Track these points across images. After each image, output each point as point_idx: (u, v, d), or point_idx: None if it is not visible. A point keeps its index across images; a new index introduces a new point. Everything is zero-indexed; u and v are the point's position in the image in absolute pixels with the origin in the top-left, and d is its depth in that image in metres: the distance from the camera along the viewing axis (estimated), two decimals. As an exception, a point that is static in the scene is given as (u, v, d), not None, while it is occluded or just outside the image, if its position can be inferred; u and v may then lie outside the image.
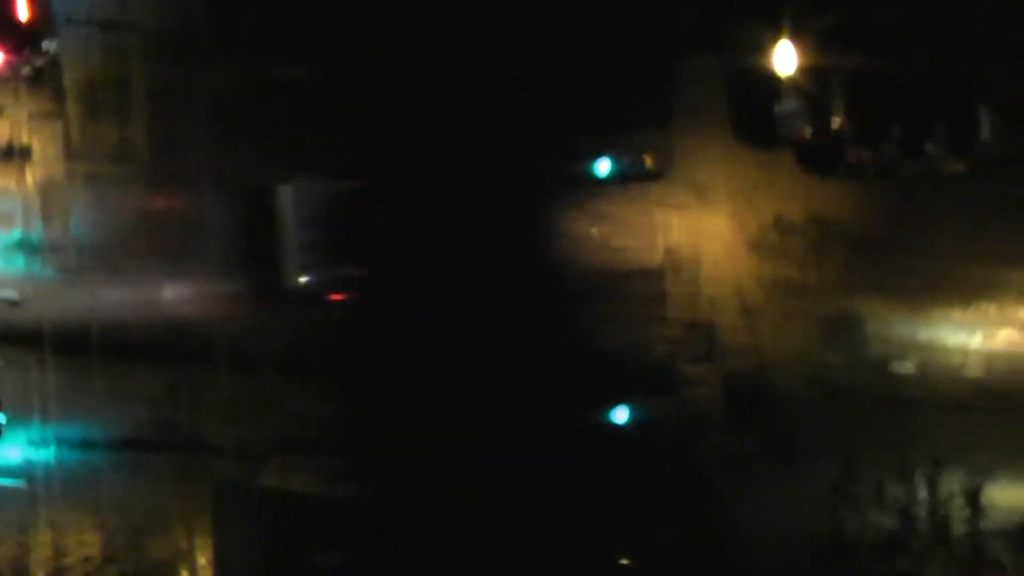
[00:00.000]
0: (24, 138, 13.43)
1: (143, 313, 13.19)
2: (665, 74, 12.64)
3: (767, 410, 12.34)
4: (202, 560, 12.97)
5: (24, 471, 13.31)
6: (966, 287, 11.75)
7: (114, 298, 13.24)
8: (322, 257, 13.12)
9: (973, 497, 11.76)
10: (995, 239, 11.59)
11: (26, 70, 13.18)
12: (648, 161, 12.83)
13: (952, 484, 11.82)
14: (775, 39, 12.09)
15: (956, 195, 11.70)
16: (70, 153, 13.35)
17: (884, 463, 11.95)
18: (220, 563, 12.98)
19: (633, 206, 12.85)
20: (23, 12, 13.05)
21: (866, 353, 12.10)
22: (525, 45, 12.75)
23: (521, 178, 12.89)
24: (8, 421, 13.09)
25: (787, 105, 12.18)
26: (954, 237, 11.72)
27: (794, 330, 12.30)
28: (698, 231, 12.63)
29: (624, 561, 12.91)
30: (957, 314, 11.83)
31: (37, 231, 13.40)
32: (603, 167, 12.88)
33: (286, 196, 13.10)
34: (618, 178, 12.93)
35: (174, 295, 13.21)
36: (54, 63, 13.26)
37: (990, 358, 11.76)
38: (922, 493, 11.90)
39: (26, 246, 13.43)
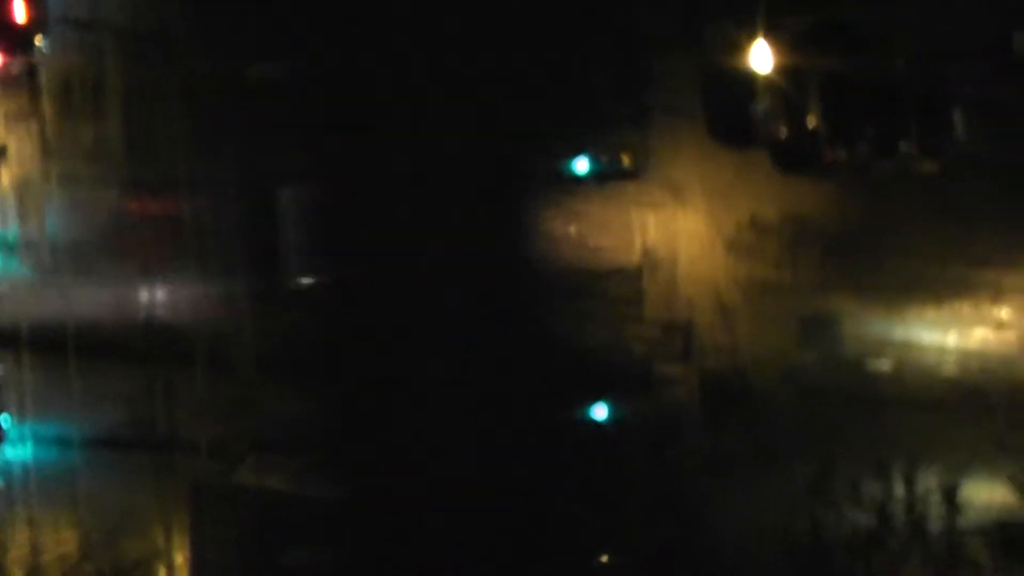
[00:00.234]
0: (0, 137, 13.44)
1: (118, 312, 13.21)
2: (642, 73, 12.64)
3: (744, 409, 12.37)
4: (179, 558, 13.03)
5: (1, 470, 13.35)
6: (941, 286, 11.77)
7: (89, 297, 13.26)
8: (299, 256, 13.16)
9: (949, 495, 11.81)
10: (969, 238, 11.61)
11: (20, 68, 13.20)
12: (625, 160, 12.83)
13: (928, 482, 11.86)
14: (751, 38, 12.09)
15: (930, 194, 11.72)
16: (46, 152, 13.35)
17: (860, 461, 11.98)
18: (197, 561, 13.04)
19: (610, 205, 12.84)
20: (20, 14, 13.08)
21: (842, 352, 12.12)
22: (502, 43, 12.75)
23: (499, 177, 12.91)
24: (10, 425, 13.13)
25: (763, 104, 12.19)
26: (928, 236, 11.73)
27: (770, 329, 12.32)
28: (675, 230, 12.63)
29: (602, 559, 12.96)
30: (932, 313, 11.85)
31: (13, 230, 13.41)
32: (581, 166, 12.89)
33: (263, 197, 13.14)
34: (596, 177, 12.93)
35: (149, 294, 13.22)
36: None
37: (965, 357, 11.79)
38: (898, 491, 11.95)
39: (1, 245, 13.43)
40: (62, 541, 13.24)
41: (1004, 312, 11.68)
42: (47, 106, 13.36)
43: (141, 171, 13.42)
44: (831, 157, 11.99)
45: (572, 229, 12.86)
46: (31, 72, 13.25)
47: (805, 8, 12.00)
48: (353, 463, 13.01)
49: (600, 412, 12.79)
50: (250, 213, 13.27)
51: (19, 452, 13.31)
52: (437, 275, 12.81)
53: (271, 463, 13.14)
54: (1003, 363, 11.69)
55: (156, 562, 13.17)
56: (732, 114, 12.34)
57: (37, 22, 13.11)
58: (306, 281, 13.23)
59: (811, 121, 11.99)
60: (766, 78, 12.13)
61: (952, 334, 11.85)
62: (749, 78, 12.19)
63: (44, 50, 13.17)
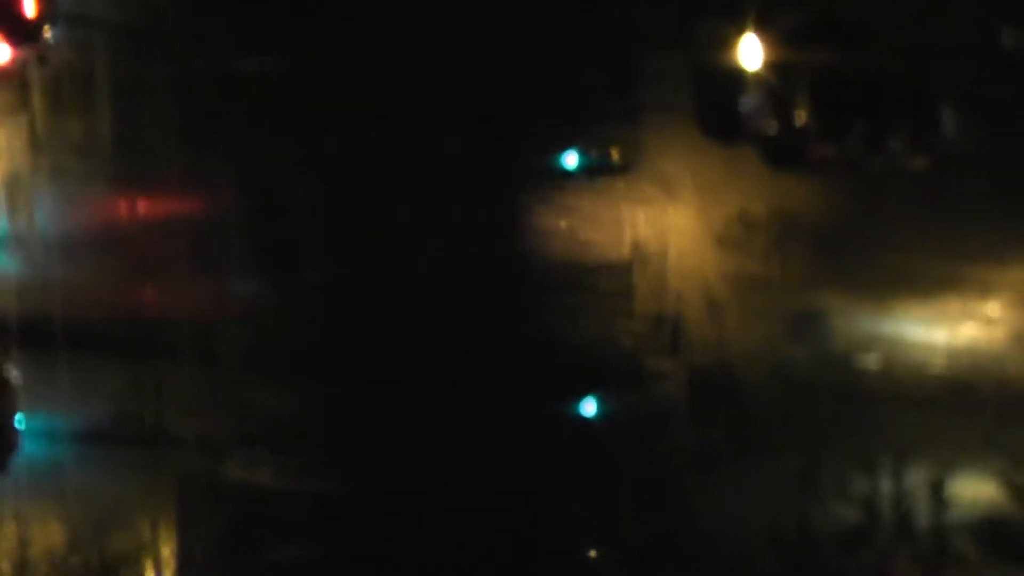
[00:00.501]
0: (-11, 132, 13.46)
1: (107, 307, 13.21)
2: (632, 69, 12.68)
3: (732, 404, 12.38)
4: (166, 552, 13.01)
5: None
6: (930, 282, 11.79)
7: (78, 291, 13.25)
8: (291, 253, 13.16)
9: (937, 491, 11.82)
10: (958, 234, 11.64)
11: (30, 60, 13.25)
12: (615, 155, 12.86)
13: (916, 478, 11.87)
14: (741, 35, 12.13)
15: (920, 190, 11.76)
16: (36, 147, 13.35)
17: (849, 457, 12.00)
18: (184, 555, 13.02)
19: (600, 200, 12.86)
20: (30, 7, 13.12)
21: (831, 347, 12.14)
22: (493, 40, 12.77)
23: (488, 172, 12.92)
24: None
25: (753, 100, 12.23)
26: (918, 232, 11.76)
27: (759, 324, 12.33)
28: (665, 225, 12.64)
29: (590, 554, 12.95)
30: (921, 309, 11.87)
31: (2, 224, 13.40)
32: (571, 161, 12.91)
33: (256, 194, 13.15)
34: (585, 172, 12.96)
35: (139, 289, 13.23)
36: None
37: (954, 353, 11.81)
38: (887, 487, 11.96)
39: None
40: (49, 534, 13.19)
41: (993, 308, 11.71)
42: (37, 100, 13.37)
43: (132, 167, 13.41)
44: (821, 153, 12.03)
45: (562, 224, 12.88)
46: (41, 64, 13.28)
47: (795, 4, 12.07)
48: (342, 459, 12.99)
49: (589, 406, 12.81)
50: (243, 210, 13.27)
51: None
52: (427, 270, 12.80)
53: (260, 458, 13.12)
54: (992, 359, 11.69)
55: (143, 556, 13.12)
56: (722, 110, 12.34)
57: (46, 15, 13.16)
58: (297, 277, 13.22)
59: (801, 117, 12.03)
60: (756, 74, 12.18)
61: (941, 330, 11.87)
62: (739, 74, 12.23)
63: (51, 42, 13.20)
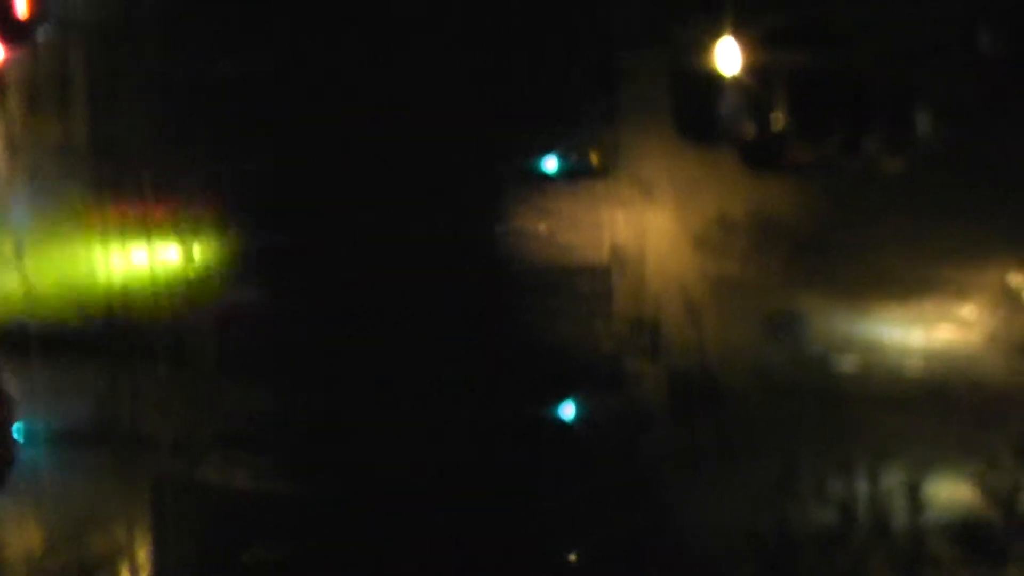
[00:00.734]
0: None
1: (83, 308, 13.21)
2: (611, 72, 12.68)
3: (711, 406, 12.39)
4: (142, 554, 12.99)
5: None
6: (907, 284, 11.80)
7: (54, 293, 13.26)
8: (264, 257, 13.16)
9: (914, 493, 11.83)
10: (934, 236, 11.65)
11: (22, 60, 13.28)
12: (594, 158, 12.86)
13: (893, 480, 11.88)
14: (719, 37, 12.15)
15: (896, 192, 11.77)
16: (12, 148, 13.35)
17: (826, 459, 12.00)
18: (159, 557, 13.00)
19: (579, 203, 12.86)
20: (22, 8, 13.15)
21: (808, 349, 12.15)
22: (471, 42, 12.78)
23: (467, 174, 12.93)
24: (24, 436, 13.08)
25: (731, 103, 12.25)
26: (895, 234, 11.76)
27: (738, 326, 12.34)
28: (643, 228, 12.65)
29: (570, 557, 12.95)
30: (898, 311, 11.88)
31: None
32: (550, 164, 12.92)
33: (230, 197, 13.14)
34: (565, 175, 12.96)
35: (115, 290, 13.22)
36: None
37: (930, 355, 11.82)
38: (864, 488, 11.97)
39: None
40: (26, 537, 13.17)
41: (969, 310, 11.72)
42: (13, 102, 13.38)
43: (109, 168, 13.42)
44: (798, 155, 12.05)
45: (541, 227, 12.89)
46: (35, 63, 13.31)
47: (774, 7, 12.09)
48: (317, 460, 12.99)
49: (567, 410, 12.80)
50: (219, 212, 13.27)
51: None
52: (404, 273, 12.81)
53: (235, 459, 13.10)
54: (968, 361, 11.71)
55: (119, 558, 13.11)
56: (700, 112, 12.37)
57: (38, 15, 13.19)
58: (274, 280, 13.21)
59: (778, 119, 12.05)
60: (734, 77, 12.20)
61: (917, 332, 11.88)
62: (717, 77, 12.25)
63: (42, 39, 13.23)
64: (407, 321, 12.71)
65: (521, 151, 12.87)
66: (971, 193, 11.61)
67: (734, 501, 12.20)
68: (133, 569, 13.07)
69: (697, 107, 12.38)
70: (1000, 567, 11.67)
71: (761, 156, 12.19)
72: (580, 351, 12.81)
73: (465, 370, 12.67)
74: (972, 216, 11.60)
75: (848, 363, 12.06)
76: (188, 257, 13.24)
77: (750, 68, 12.10)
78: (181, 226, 13.32)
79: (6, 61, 13.18)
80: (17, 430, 13.02)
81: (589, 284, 12.83)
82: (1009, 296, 11.64)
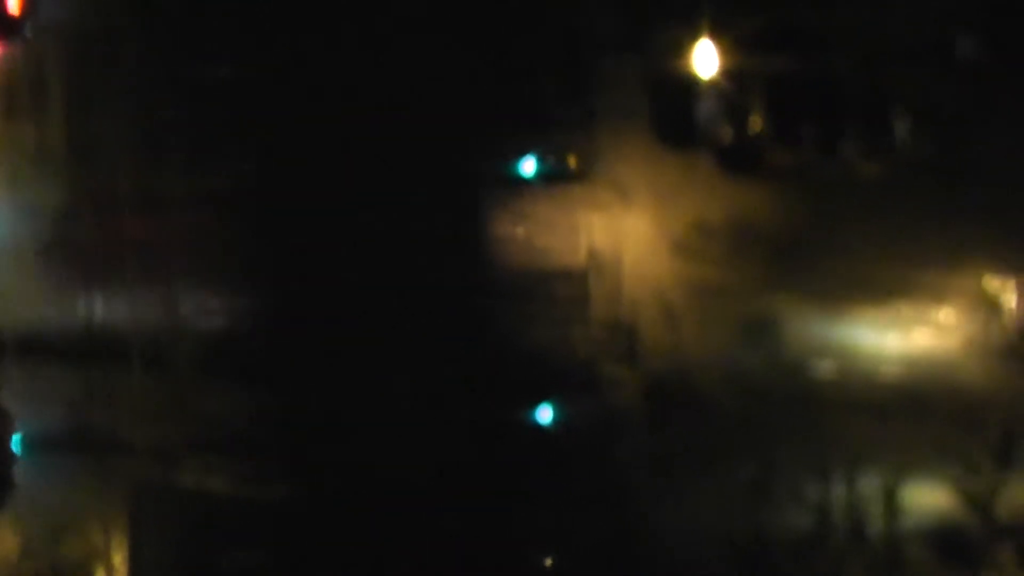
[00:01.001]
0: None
1: (59, 314, 13.16)
2: (588, 76, 12.69)
3: (687, 410, 12.39)
4: (118, 559, 12.94)
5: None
6: (883, 289, 11.82)
7: (30, 299, 13.21)
8: (242, 263, 13.12)
9: (891, 498, 11.84)
10: (911, 241, 11.68)
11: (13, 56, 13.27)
12: (572, 162, 12.87)
13: (870, 485, 11.89)
14: (696, 41, 12.16)
15: (873, 197, 11.80)
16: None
17: (803, 464, 12.01)
18: (136, 562, 12.96)
19: (557, 207, 12.87)
20: (14, 5, 13.14)
21: (785, 354, 12.16)
22: (449, 46, 12.77)
23: (445, 178, 12.92)
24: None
25: (708, 107, 12.26)
26: (871, 239, 11.79)
27: (714, 331, 12.35)
28: (621, 232, 12.66)
29: (546, 561, 12.94)
30: (875, 316, 11.90)
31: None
32: (528, 168, 12.91)
33: (207, 202, 13.11)
34: (542, 179, 12.96)
35: (91, 296, 13.18)
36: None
37: (907, 359, 11.85)
38: (840, 494, 11.98)
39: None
40: (1, 542, 13.12)
41: (946, 314, 11.75)
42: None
43: (86, 174, 13.38)
44: (775, 160, 12.07)
45: (519, 230, 12.88)
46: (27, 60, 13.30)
47: (750, 11, 12.10)
48: (294, 465, 12.95)
49: (545, 413, 12.79)
50: (197, 218, 13.24)
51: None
52: (383, 277, 12.80)
53: (211, 465, 13.06)
54: (945, 366, 11.75)
55: (96, 563, 13.06)
56: (678, 117, 12.39)
57: (29, 11, 13.19)
58: (251, 285, 13.18)
59: (755, 124, 12.07)
60: (711, 82, 12.21)
61: (894, 336, 11.90)
62: (695, 81, 12.26)
63: (29, 35, 13.22)
64: (384, 325, 12.69)
65: (499, 155, 12.87)
66: (948, 197, 11.63)
67: (710, 504, 12.21)
68: (109, 573, 13.04)
69: (675, 112, 12.39)
70: (977, 570, 11.70)
71: (738, 160, 12.20)
72: (557, 355, 12.80)
73: (442, 375, 12.65)
74: (949, 220, 11.63)
75: (825, 368, 12.07)
76: (163, 262, 13.23)
77: (727, 73, 12.12)
78: (158, 232, 13.30)
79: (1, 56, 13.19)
80: (16, 443, 12.99)
81: (566, 288, 12.84)
82: (986, 300, 11.67)
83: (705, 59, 12.09)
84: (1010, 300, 11.66)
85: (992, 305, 11.66)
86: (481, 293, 12.85)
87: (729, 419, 12.18)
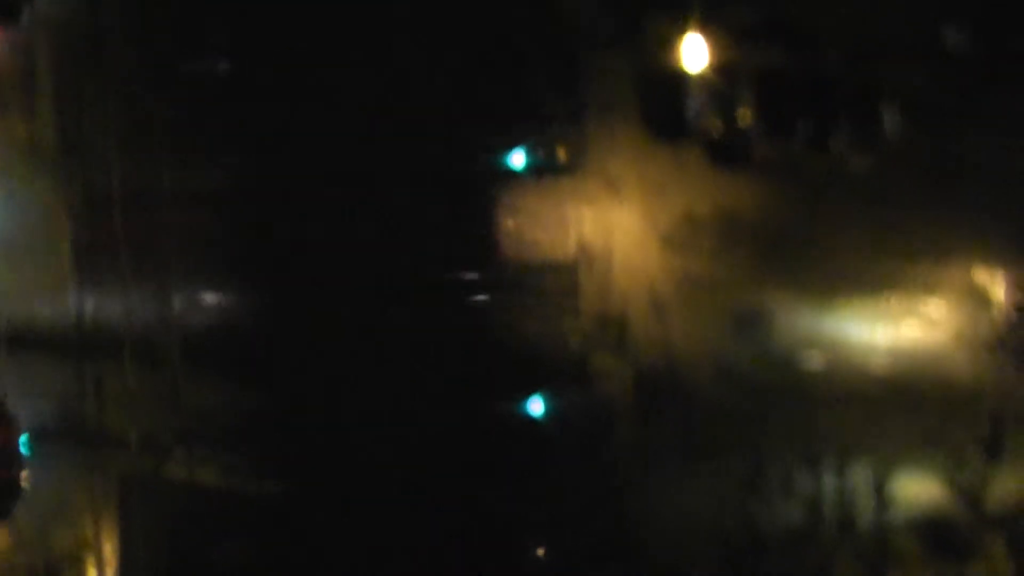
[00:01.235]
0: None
1: (49, 307, 13.16)
2: (578, 68, 12.68)
3: (677, 403, 12.41)
4: (108, 551, 12.95)
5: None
6: (873, 282, 11.82)
7: (20, 292, 13.21)
8: (229, 257, 13.11)
9: (880, 490, 11.86)
10: (900, 234, 11.67)
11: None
12: (561, 155, 12.88)
13: (859, 478, 11.90)
14: (686, 34, 12.16)
15: (862, 190, 11.79)
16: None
17: (793, 457, 12.02)
18: (126, 554, 12.96)
19: (546, 199, 12.87)
20: None
21: (774, 347, 12.16)
22: (439, 39, 12.77)
23: (433, 171, 12.93)
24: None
25: (698, 100, 12.26)
26: (861, 232, 11.78)
27: (704, 324, 12.36)
28: (610, 225, 12.67)
29: (536, 554, 12.96)
30: (864, 309, 11.90)
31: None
32: (517, 160, 12.92)
33: (196, 194, 13.10)
34: (532, 171, 12.97)
35: (81, 289, 13.18)
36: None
37: (896, 352, 11.85)
38: (830, 486, 11.99)
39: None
40: (-7, 535, 13.13)
41: (935, 308, 11.75)
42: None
43: (77, 168, 13.38)
44: (765, 153, 12.07)
45: (509, 223, 12.89)
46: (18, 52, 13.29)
47: (740, 4, 12.10)
48: (283, 458, 12.96)
49: (535, 406, 12.81)
50: (185, 212, 13.24)
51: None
52: (371, 271, 12.80)
53: (200, 457, 13.07)
54: (933, 358, 11.76)
55: (86, 555, 13.07)
56: (668, 110, 12.39)
57: None
58: (241, 277, 13.18)
59: (745, 117, 12.07)
60: (701, 74, 12.21)
61: (884, 329, 11.90)
62: (684, 74, 12.26)
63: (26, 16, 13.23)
64: (373, 318, 12.70)
65: (489, 147, 12.88)
66: (938, 190, 11.63)
67: (700, 496, 12.23)
68: (99, 565, 13.04)
69: (664, 105, 12.39)
70: (966, 563, 11.72)
71: (728, 153, 12.20)
72: (547, 348, 12.82)
73: (431, 367, 12.67)
74: (938, 213, 11.63)
75: (814, 360, 12.09)
76: (153, 256, 13.22)
77: (717, 66, 12.12)
78: (148, 227, 13.30)
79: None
80: (23, 443, 12.96)
81: (555, 280, 12.85)
82: (975, 293, 11.67)
83: (695, 52, 12.08)
84: (998, 292, 11.66)
85: (981, 297, 11.66)
86: (470, 286, 12.88)
87: (719, 411, 12.19)
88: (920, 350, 11.85)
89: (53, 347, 13.26)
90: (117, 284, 13.13)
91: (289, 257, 12.94)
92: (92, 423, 13.15)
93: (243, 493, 12.92)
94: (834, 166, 11.93)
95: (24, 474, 12.81)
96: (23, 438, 12.87)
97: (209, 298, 12.95)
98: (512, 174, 12.79)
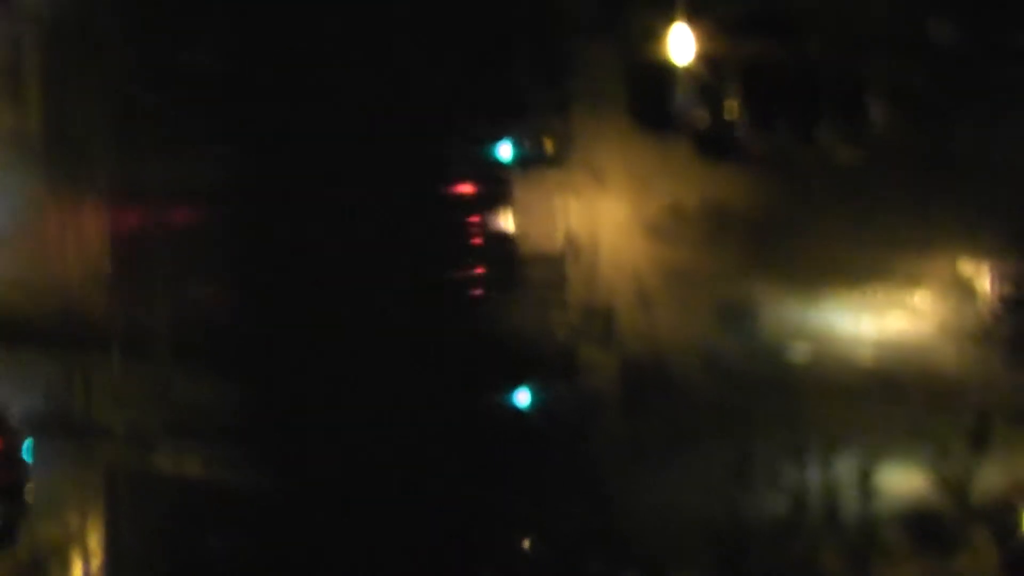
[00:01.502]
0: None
1: (36, 298, 13.16)
2: (565, 59, 12.69)
3: (663, 394, 12.42)
4: (94, 544, 12.96)
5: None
6: (858, 273, 11.84)
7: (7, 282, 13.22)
8: (215, 251, 13.12)
9: (866, 482, 11.87)
10: (886, 225, 11.69)
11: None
12: (548, 146, 12.88)
13: (845, 469, 11.92)
14: (673, 25, 12.16)
15: (848, 182, 11.81)
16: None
17: (778, 448, 12.04)
18: (112, 546, 12.98)
19: (533, 191, 12.89)
20: None
21: (761, 338, 12.18)
22: (425, 30, 12.77)
23: (421, 162, 12.93)
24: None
25: (684, 92, 12.26)
26: (846, 224, 11.80)
27: (690, 315, 12.37)
28: (597, 216, 12.68)
29: (524, 544, 12.97)
30: (850, 300, 11.92)
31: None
32: (504, 152, 12.93)
33: (183, 190, 13.12)
34: (519, 163, 12.97)
35: (70, 280, 13.19)
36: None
37: (882, 343, 11.86)
38: (816, 478, 12.01)
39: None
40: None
41: (920, 299, 11.77)
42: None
43: (63, 160, 13.38)
44: (751, 144, 12.07)
45: (496, 215, 12.91)
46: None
47: (726, -4, 12.13)
48: (270, 450, 12.97)
49: (522, 397, 12.82)
50: (175, 206, 13.26)
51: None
52: (358, 262, 12.80)
53: (187, 449, 13.08)
54: (919, 350, 11.77)
55: (72, 547, 13.09)
56: (654, 101, 12.40)
57: None
58: (229, 272, 13.20)
59: (731, 108, 12.07)
60: (688, 65, 12.21)
61: (869, 321, 11.92)
62: (671, 65, 12.26)
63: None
64: (361, 311, 12.70)
65: (475, 139, 12.88)
66: (923, 182, 11.64)
67: (687, 488, 12.24)
68: (86, 556, 13.06)
69: (651, 96, 12.39)
70: (951, 553, 11.73)
71: (714, 145, 12.21)
72: (534, 339, 12.83)
73: (419, 359, 12.67)
74: (924, 205, 11.64)
75: (800, 352, 12.09)
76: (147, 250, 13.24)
77: (704, 57, 12.12)
78: (138, 219, 13.31)
79: None
80: (27, 450, 12.98)
81: (542, 272, 12.86)
82: (960, 285, 11.68)
83: (681, 44, 12.09)
84: (984, 284, 11.67)
85: (966, 289, 11.67)
86: (458, 277, 12.91)
87: (705, 402, 12.21)
88: (906, 342, 11.85)
89: (40, 339, 13.26)
90: (105, 276, 13.14)
91: (278, 250, 12.96)
92: (81, 415, 13.17)
93: (232, 486, 12.95)
94: (820, 158, 11.94)
95: (30, 487, 12.90)
96: (26, 444, 12.92)
97: (198, 292, 12.95)
98: (499, 165, 12.82)
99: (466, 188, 12.92)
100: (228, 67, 12.98)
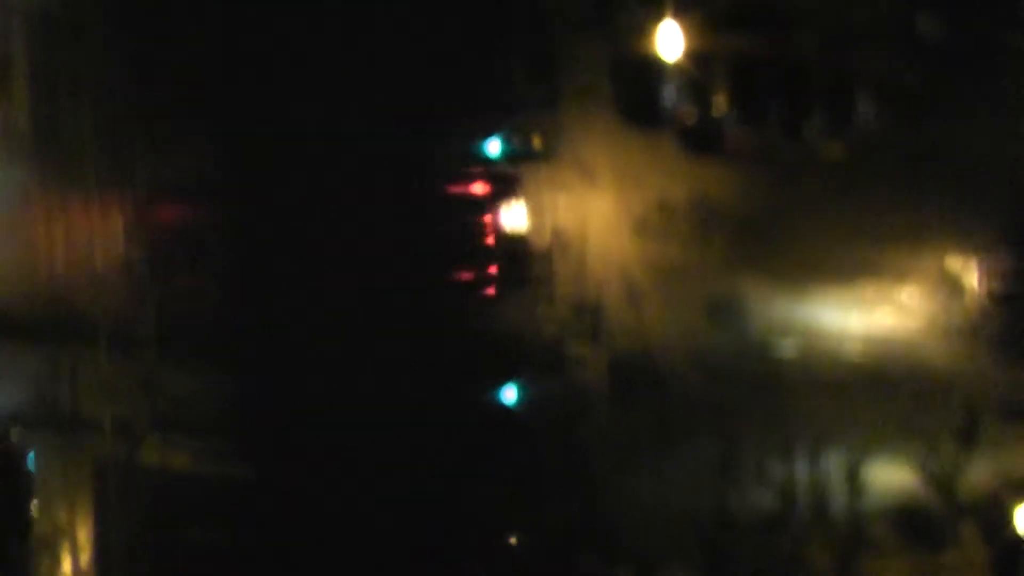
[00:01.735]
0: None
1: (23, 291, 13.11)
2: (553, 55, 12.68)
3: (651, 390, 12.42)
4: (83, 537, 12.92)
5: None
6: (846, 269, 11.86)
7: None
8: (204, 244, 13.09)
9: (853, 477, 11.89)
10: (874, 221, 11.71)
11: None
12: (536, 142, 12.87)
13: (832, 464, 11.94)
14: (661, 21, 12.16)
15: (836, 177, 11.82)
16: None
17: (766, 443, 12.05)
18: (101, 539, 12.94)
19: (521, 187, 12.88)
20: None
21: (749, 334, 12.19)
22: (414, 26, 12.75)
23: (410, 158, 12.91)
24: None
25: (673, 87, 12.26)
26: (834, 220, 11.82)
27: (678, 311, 12.37)
28: (585, 212, 12.67)
29: (511, 540, 12.96)
30: (838, 296, 11.94)
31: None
32: (493, 148, 12.91)
33: (172, 182, 13.07)
34: (507, 159, 12.96)
35: (56, 274, 13.14)
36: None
37: (869, 339, 11.88)
38: (803, 473, 12.02)
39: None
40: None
41: (907, 295, 11.79)
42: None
43: (51, 155, 13.33)
44: (739, 140, 12.08)
45: (485, 210, 12.90)
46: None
47: (714, -8, 12.13)
48: (258, 444, 12.94)
49: (510, 393, 12.81)
50: (163, 199, 13.22)
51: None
52: (347, 257, 12.78)
53: (175, 442, 13.04)
54: (906, 346, 11.80)
55: (62, 541, 13.05)
56: (642, 97, 12.41)
57: None
58: (218, 265, 13.16)
59: (719, 104, 12.08)
60: (676, 62, 12.21)
61: (857, 317, 11.94)
62: (659, 61, 12.26)
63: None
64: (349, 306, 12.68)
65: (464, 135, 12.87)
66: (911, 178, 11.66)
67: (674, 484, 12.25)
68: (74, 548, 13.02)
69: (639, 92, 12.39)
70: (939, 549, 11.76)
71: (703, 141, 12.22)
72: (522, 335, 12.82)
73: (407, 354, 12.66)
74: (912, 201, 11.66)
75: (789, 348, 12.11)
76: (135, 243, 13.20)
77: (692, 53, 12.12)
78: (126, 212, 13.27)
79: None
80: (30, 462, 12.94)
81: (531, 268, 12.85)
82: (948, 281, 11.71)
83: (670, 40, 12.09)
84: (972, 280, 11.69)
85: (954, 285, 11.70)
86: (445, 274, 12.89)
87: (693, 398, 12.21)
88: (894, 338, 11.88)
89: (27, 332, 13.20)
90: (93, 271, 13.09)
91: (266, 246, 12.93)
92: (66, 408, 13.12)
93: (218, 479, 12.92)
94: (808, 154, 11.95)
95: (34, 504, 12.89)
96: (30, 457, 12.90)
97: (185, 288, 12.91)
98: (487, 161, 12.80)
99: (478, 188, 12.90)
100: (219, 62, 12.95)
